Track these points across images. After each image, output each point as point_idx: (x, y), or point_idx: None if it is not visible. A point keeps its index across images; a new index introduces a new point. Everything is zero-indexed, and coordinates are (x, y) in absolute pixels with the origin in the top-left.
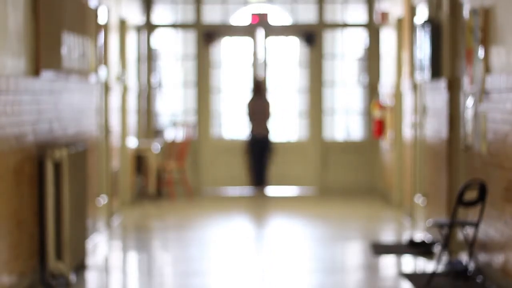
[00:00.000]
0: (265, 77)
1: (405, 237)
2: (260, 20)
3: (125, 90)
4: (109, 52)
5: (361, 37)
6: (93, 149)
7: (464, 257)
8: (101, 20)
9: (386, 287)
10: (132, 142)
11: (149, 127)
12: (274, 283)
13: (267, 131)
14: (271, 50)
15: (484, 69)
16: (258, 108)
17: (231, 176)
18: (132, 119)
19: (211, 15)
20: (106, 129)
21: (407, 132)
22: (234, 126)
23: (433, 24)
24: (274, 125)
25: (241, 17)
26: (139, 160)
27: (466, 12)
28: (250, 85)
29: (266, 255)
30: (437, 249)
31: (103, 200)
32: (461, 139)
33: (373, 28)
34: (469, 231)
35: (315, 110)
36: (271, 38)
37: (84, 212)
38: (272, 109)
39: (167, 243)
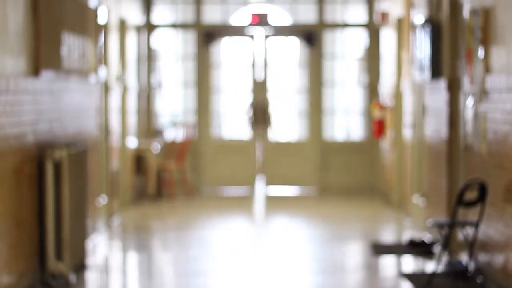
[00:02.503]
0: (265, 77)
1: (405, 237)
2: (260, 20)
3: (125, 90)
4: (109, 52)
5: (361, 37)
6: (93, 149)
7: (464, 257)
8: (101, 20)
9: (386, 287)
10: (132, 142)
11: (149, 127)
12: (274, 283)
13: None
14: (271, 50)
15: (484, 69)
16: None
17: (231, 176)
18: (132, 119)
19: (211, 15)
20: (106, 129)
21: (407, 132)
22: (234, 126)
23: (433, 24)
24: (275, 124)
25: (241, 17)
26: (139, 160)
27: (466, 12)
28: (252, 85)
29: (266, 255)
30: (437, 249)
31: (103, 200)
32: (461, 139)
33: (373, 28)
34: (469, 231)
35: (315, 110)
36: (271, 38)
37: (84, 212)
38: (272, 108)
39: (167, 243)
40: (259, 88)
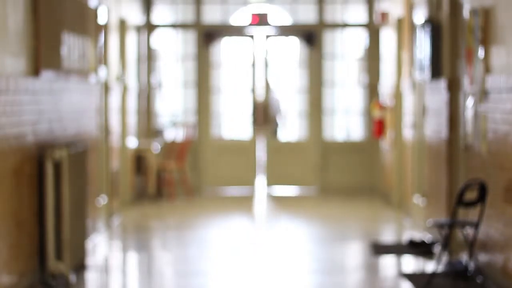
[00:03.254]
0: (265, 77)
1: (405, 237)
2: (260, 20)
3: (125, 90)
4: (109, 52)
5: (361, 37)
6: (93, 149)
7: (464, 257)
8: (101, 20)
9: (386, 287)
10: (132, 142)
11: (149, 127)
12: (274, 283)
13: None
14: (271, 50)
15: (484, 69)
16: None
17: (231, 176)
18: (132, 119)
19: (211, 15)
20: (106, 129)
21: (407, 132)
22: (234, 126)
23: (433, 24)
24: (283, 122)
25: (241, 17)
26: (139, 160)
27: (466, 12)
28: (252, 85)
29: (266, 255)
30: (437, 249)
31: (103, 200)
32: (461, 139)
33: (373, 28)
34: (469, 231)
35: (315, 110)
36: (271, 38)
37: (84, 212)
38: (281, 106)
39: (167, 243)
40: (259, 88)
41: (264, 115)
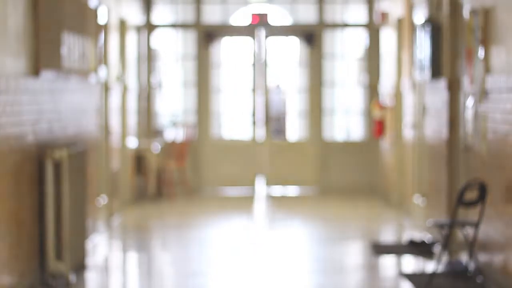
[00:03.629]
0: (265, 77)
1: (405, 237)
2: (260, 20)
3: (125, 90)
4: (109, 52)
5: (361, 37)
6: (93, 149)
7: (464, 257)
8: (101, 20)
9: (386, 287)
10: (132, 142)
11: (149, 127)
12: (274, 283)
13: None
14: (271, 50)
15: (484, 69)
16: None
17: (231, 176)
18: (132, 119)
19: (211, 15)
20: (106, 129)
21: (407, 132)
22: (234, 126)
23: (433, 24)
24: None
25: (241, 17)
26: (139, 160)
27: (466, 12)
28: (252, 85)
29: (266, 255)
30: (437, 249)
31: (103, 200)
32: (461, 139)
33: (373, 28)
34: (469, 231)
35: (315, 110)
36: (271, 38)
37: (84, 212)
38: (286, 106)
39: (167, 243)
40: (259, 88)
41: (265, 115)
